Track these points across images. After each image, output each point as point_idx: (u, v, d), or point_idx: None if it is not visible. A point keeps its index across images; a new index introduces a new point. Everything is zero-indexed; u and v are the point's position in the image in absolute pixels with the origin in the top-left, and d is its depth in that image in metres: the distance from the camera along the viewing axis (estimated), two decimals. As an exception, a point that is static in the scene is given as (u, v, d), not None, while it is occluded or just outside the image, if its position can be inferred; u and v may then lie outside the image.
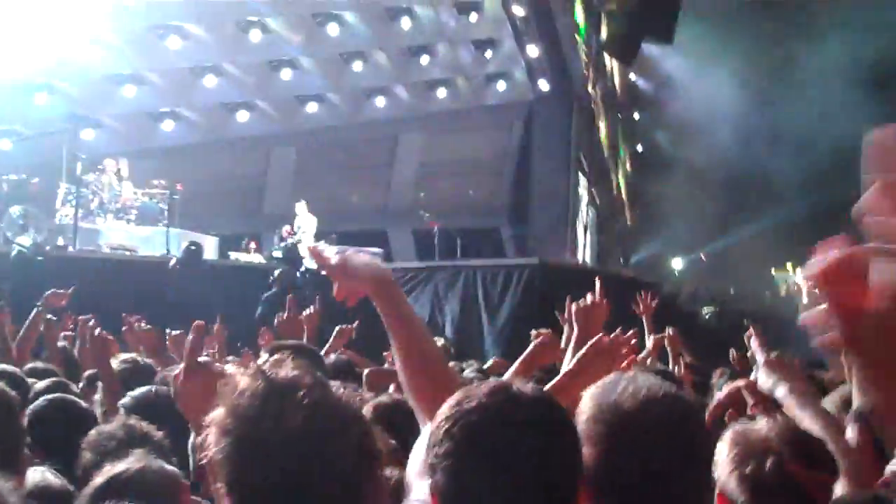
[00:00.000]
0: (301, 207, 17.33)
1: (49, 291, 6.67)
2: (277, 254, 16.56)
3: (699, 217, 26.28)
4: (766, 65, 25.93)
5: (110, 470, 2.56)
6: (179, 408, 2.26)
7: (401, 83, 22.63)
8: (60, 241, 14.14)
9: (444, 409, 1.71)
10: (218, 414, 1.63)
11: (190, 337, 2.28)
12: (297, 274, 14.51)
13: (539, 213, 23.54)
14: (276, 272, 13.36)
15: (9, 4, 15.89)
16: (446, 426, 1.68)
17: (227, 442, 1.59)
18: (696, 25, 26.65)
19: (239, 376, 1.68)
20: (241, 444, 1.59)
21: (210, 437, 1.63)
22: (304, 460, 1.58)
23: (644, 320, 6.62)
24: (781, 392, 2.82)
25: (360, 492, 1.64)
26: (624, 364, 2.92)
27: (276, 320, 5.83)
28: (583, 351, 2.83)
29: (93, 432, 3.14)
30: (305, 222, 17.15)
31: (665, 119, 28.92)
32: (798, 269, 26.31)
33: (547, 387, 2.64)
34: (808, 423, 2.67)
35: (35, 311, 6.37)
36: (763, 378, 2.91)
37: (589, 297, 3.32)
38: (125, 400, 3.85)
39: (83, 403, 3.97)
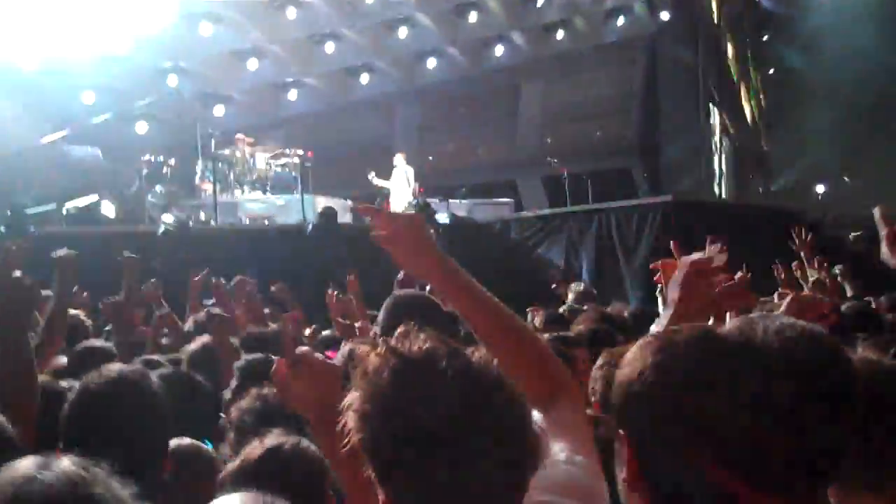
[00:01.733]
0: (398, 159, 17.33)
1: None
2: (410, 212, 16.69)
3: (840, 139, 25.14)
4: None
5: (262, 444, 2.56)
6: (288, 405, 2.17)
7: (517, 29, 22.31)
8: (202, 216, 14.62)
9: (638, 357, 1.53)
10: (354, 399, 1.56)
11: (289, 329, 2.20)
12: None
13: (670, 148, 22.93)
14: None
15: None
16: (652, 377, 1.50)
17: (372, 428, 1.52)
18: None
19: (368, 355, 1.59)
20: (387, 428, 1.51)
21: (350, 425, 1.55)
22: (459, 434, 1.50)
23: (802, 255, 6.31)
24: None
25: (524, 458, 1.56)
26: (788, 300, 2.76)
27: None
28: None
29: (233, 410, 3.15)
30: (398, 176, 17.14)
31: (796, 38, 27.66)
32: None
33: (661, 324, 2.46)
34: None
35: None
36: (886, 252, 2.88)
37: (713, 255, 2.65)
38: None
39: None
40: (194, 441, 3.06)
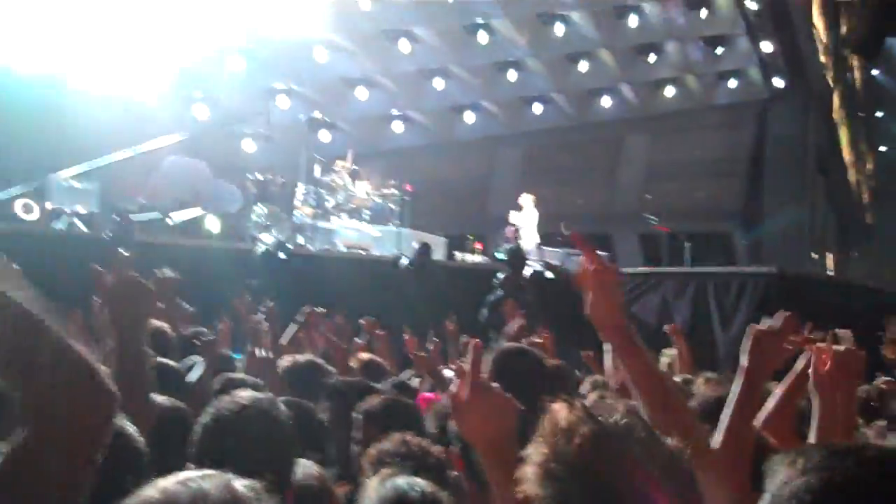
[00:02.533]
0: (526, 199, 17.27)
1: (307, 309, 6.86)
2: (500, 255, 16.50)
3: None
4: None
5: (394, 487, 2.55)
6: (460, 428, 2.17)
7: (627, 82, 22.19)
8: (300, 240, 14.71)
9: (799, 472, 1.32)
10: (539, 451, 1.56)
11: (471, 355, 2.14)
12: (522, 277, 14.36)
13: (774, 217, 22.37)
14: (500, 275, 13.27)
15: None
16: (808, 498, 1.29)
17: (552, 487, 1.52)
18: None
19: (561, 413, 1.59)
20: (569, 492, 1.51)
21: (529, 475, 1.56)
22: None
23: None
24: None
25: None
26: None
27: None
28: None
29: (371, 450, 3.10)
30: (527, 217, 17.10)
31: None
32: None
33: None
34: None
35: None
36: None
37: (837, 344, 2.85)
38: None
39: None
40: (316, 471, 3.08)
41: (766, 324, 2.59)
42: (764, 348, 2.52)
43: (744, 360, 2.51)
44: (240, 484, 1.52)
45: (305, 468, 3.00)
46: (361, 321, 8.21)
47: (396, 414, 3.56)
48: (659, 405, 2.28)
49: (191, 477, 1.51)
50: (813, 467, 1.31)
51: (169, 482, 1.50)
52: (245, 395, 2.92)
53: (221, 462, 2.34)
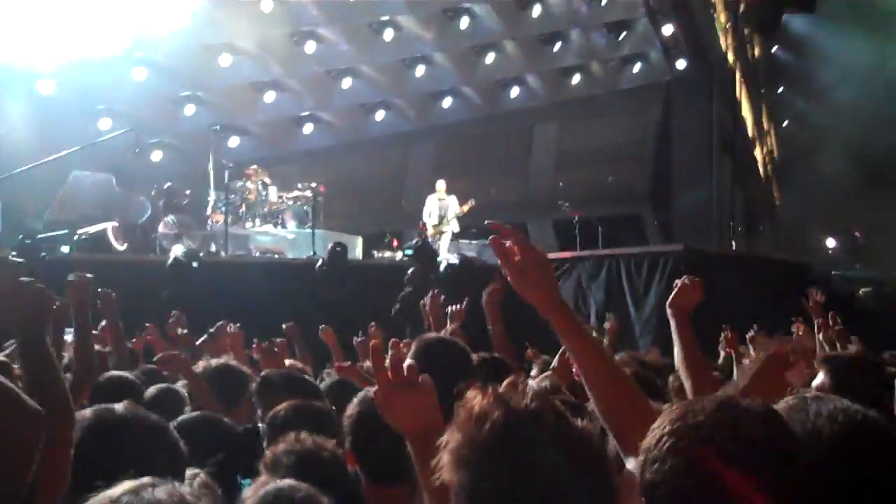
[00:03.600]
0: (441, 185, 17.32)
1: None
2: (408, 251, 16.53)
3: (851, 194, 25.18)
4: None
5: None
6: (390, 422, 2.18)
7: (534, 72, 22.46)
8: (213, 248, 14.64)
9: (666, 424, 1.63)
10: (454, 440, 1.59)
11: (390, 353, 2.18)
12: (433, 271, 14.45)
13: (682, 197, 22.92)
14: (409, 271, 13.38)
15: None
16: (669, 442, 1.60)
17: (465, 474, 1.56)
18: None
19: (475, 399, 1.63)
20: (481, 477, 1.55)
21: (444, 463, 1.60)
22: (550, 497, 1.54)
23: (813, 316, 6.29)
24: None
25: None
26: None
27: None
28: (761, 365, 2.81)
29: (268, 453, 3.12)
30: (446, 203, 17.19)
31: (810, 93, 27.82)
32: None
33: None
34: None
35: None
36: None
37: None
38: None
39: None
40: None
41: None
42: (769, 374, 2.71)
43: (743, 381, 2.80)
44: (186, 489, 1.56)
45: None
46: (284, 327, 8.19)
47: (304, 419, 3.50)
48: (605, 383, 2.26)
49: (141, 485, 1.55)
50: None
51: (118, 491, 1.53)
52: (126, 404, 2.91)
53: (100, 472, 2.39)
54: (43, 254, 11.46)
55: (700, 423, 1.59)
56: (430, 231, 16.94)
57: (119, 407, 2.77)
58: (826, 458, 1.68)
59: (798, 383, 2.87)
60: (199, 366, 5.01)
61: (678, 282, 3.45)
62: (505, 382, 2.36)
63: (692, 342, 3.43)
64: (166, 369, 5.30)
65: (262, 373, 4.63)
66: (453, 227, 17.11)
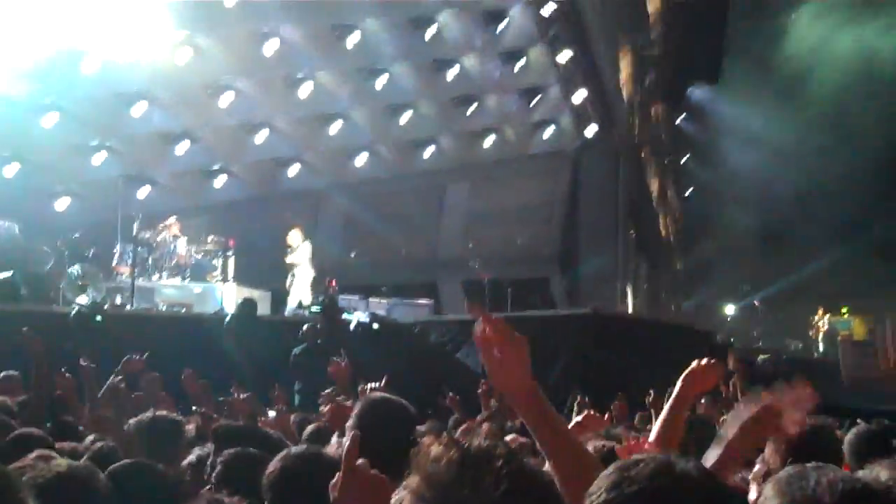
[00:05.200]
0: (295, 236, 17.05)
1: (126, 357, 6.76)
2: (315, 307, 16.33)
3: (749, 263, 26.03)
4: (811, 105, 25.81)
5: None
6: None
7: (448, 133, 22.74)
8: (118, 300, 14.33)
9: (602, 491, 1.63)
10: (412, 481, 1.65)
11: (347, 442, 2.21)
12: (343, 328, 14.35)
13: (589, 261, 23.39)
14: (304, 327, 13.26)
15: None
16: None
17: None
18: (742, 65, 26.67)
19: (431, 445, 1.68)
20: None
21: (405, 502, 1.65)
22: None
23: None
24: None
25: None
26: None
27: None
28: (744, 419, 2.87)
29: None
30: (301, 250, 16.92)
31: (714, 163, 28.75)
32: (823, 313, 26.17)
33: (708, 462, 2.67)
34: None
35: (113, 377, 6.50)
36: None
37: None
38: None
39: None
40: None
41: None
42: (760, 426, 2.75)
43: (732, 430, 2.72)
44: None
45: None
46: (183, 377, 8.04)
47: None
48: (572, 473, 2.16)
49: None
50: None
51: None
52: (62, 462, 2.92)
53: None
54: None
55: (633, 493, 1.59)
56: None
57: None
58: None
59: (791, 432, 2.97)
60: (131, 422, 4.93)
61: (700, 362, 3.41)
62: (460, 429, 2.39)
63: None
64: (96, 431, 5.18)
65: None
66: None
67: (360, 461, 2.19)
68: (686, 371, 3.27)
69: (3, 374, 7.78)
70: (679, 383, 3.25)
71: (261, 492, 3.03)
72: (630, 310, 21.98)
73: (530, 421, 2.26)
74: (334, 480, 2.15)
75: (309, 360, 11.57)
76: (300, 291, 16.51)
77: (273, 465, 3.06)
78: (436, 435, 1.73)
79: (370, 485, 2.09)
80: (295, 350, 12.37)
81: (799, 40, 26.83)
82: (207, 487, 3.51)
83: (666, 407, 3.25)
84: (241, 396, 7.03)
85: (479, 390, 5.94)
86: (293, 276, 16.72)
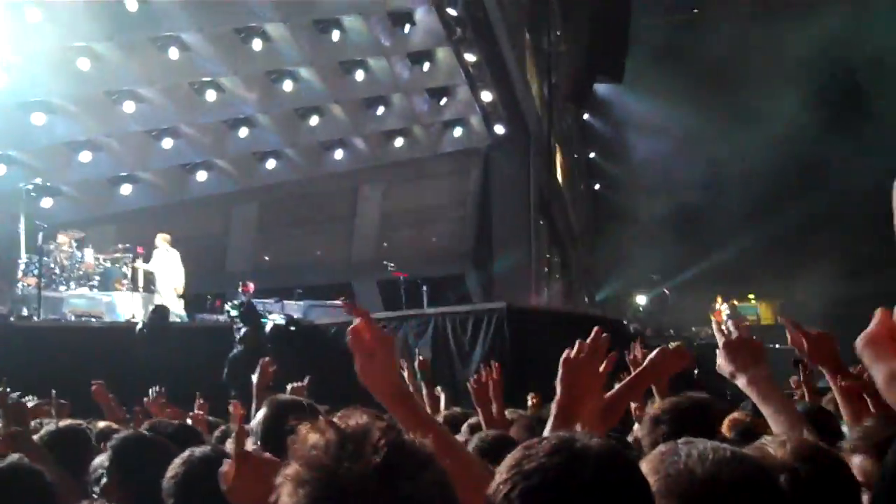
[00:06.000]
0: (161, 240, 16.61)
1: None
2: (233, 311, 16.18)
3: (659, 253, 26.61)
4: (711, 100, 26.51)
5: None
6: (232, 500, 2.17)
7: (358, 135, 22.73)
8: (24, 312, 14.00)
9: (503, 470, 1.64)
10: (291, 469, 1.58)
11: (235, 428, 2.22)
12: (263, 331, 14.32)
13: (502, 257, 23.63)
14: (241, 332, 13.21)
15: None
16: (505, 490, 1.62)
17: (304, 493, 1.54)
18: (646, 62, 27.28)
19: (307, 432, 1.63)
20: (319, 492, 1.54)
21: (283, 494, 1.58)
22: (387, 501, 1.53)
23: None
24: (741, 382, 2.80)
25: None
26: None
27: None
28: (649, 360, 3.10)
29: None
30: (163, 259, 16.52)
31: (622, 156, 29.38)
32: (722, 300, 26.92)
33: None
34: (770, 418, 2.67)
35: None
36: (722, 362, 2.86)
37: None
38: None
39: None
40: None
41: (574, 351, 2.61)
42: (574, 377, 2.53)
43: (558, 392, 2.54)
44: None
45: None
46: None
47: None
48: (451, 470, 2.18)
49: None
50: None
51: None
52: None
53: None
54: None
55: (532, 470, 1.60)
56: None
57: None
58: (699, 497, 1.73)
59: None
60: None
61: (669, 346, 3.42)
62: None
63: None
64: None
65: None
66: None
67: (250, 447, 2.22)
68: (652, 354, 3.26)
69: None
70: (645, 364, 3.25)
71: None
72: (545, 303, 22.25)
73: (399, 417, 2.22)
74: (225, 468, 2.19)
75: (246, 364, 11.48)
76: (166, 299, 16.07)
77: (175, 467, 3.02)
78: (310, 422, 1.67)
79: (263, 469, 2.13)
80: (231, 355, 12.27)
81: (705, 32, 27.56)
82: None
83: (620, 386, 3.22)
84: (159, 401, 6.97)
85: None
86: (152, 283, 16.30)
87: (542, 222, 24.68)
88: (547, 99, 26.13)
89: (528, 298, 21.44)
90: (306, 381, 5.96)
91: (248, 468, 2.15)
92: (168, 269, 16.43)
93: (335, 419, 1.68)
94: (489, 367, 5.21)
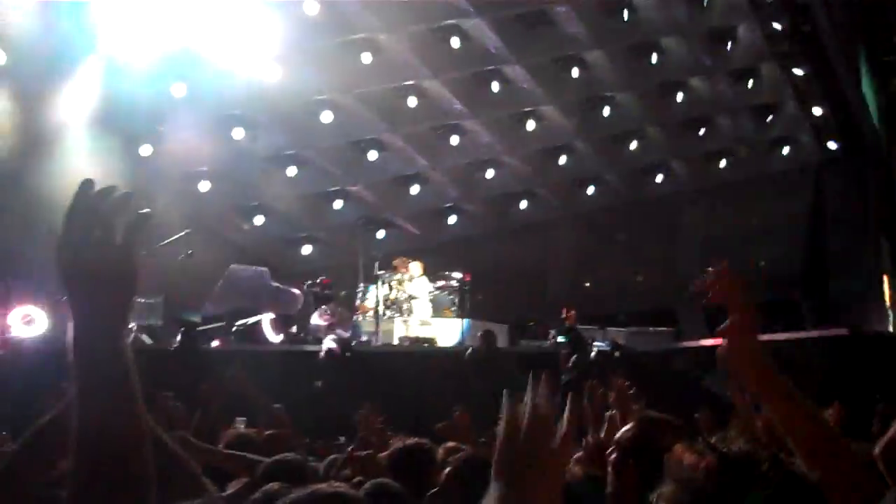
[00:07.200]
0: (415, 267, 16.68)
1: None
2: (562, 339, 16.18)
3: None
4: None
5: None
6: None
7: (679, 157, 22.20)
8: (363, 338, 14.85)
9: None
10: (668, 489, 1.62)
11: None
12: (590, 357, 14.24)
13: (838, 281, 22.01)
14: (573, 359, 13.17)
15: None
16: None
17: None
18: None
19: (683, 452, 1.66)
20: None
21: None
22: None
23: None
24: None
25: None
26: None
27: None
28: None
29: None
30: (417, 285, 16.60)
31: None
32: None
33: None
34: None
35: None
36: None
37: None
38: None
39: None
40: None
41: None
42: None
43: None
44: None
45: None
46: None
47: None
48: (817, 450, 2.00)
49: None
50: None
51: None
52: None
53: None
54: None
55: None
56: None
57: None
58: None
59: None
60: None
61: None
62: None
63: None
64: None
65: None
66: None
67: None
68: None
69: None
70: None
71: None
72: (891, 329, 20.44)
73: (767, 398, 2.16)
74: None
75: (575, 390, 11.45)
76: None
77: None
78: (687, 442, 1.68)
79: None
80: (565, 379, 12.34)
81: None
82: None
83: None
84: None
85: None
86: (409, 308, 16.49)
87: (883, 243, 22.71)
88: (885, 110, 24.09)
89: (870, 324, 19.78)
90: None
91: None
92: (422, 294, 16.67)
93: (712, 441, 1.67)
94: None
